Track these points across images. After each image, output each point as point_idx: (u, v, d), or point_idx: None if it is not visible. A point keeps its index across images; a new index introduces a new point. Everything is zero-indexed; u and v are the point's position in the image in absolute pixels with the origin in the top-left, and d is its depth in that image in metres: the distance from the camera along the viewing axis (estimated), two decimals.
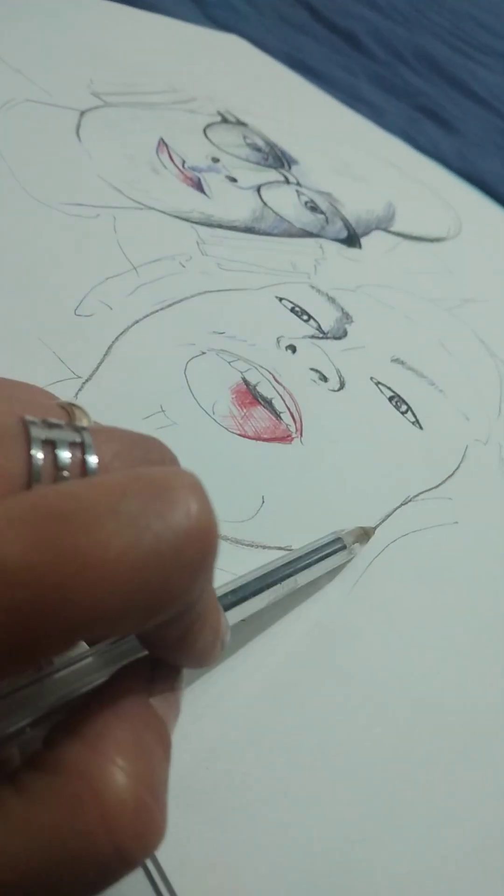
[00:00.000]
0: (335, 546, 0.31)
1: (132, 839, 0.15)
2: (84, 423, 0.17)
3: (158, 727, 0.18)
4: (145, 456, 0.18)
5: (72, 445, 0.16)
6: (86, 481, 0.15)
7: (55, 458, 0.16)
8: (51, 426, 0.16)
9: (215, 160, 0.55)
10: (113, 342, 0.35)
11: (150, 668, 0.19)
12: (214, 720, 0.26)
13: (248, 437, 0.35)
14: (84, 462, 0.16)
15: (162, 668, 0.19)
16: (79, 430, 0.16)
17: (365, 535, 0.33)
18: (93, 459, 0.16)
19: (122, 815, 0.15)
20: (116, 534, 0.14)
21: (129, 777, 0.16)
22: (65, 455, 0.16)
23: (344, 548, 0.32)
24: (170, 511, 0.15)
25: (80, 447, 0.16)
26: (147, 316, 0.38)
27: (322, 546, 0.31)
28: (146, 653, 0.19)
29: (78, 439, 0.16)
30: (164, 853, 0.22)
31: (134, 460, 0.17)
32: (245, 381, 0.37)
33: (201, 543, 0.15)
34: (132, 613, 0.15)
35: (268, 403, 0.37)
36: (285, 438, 0.36)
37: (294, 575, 0.28)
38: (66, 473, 0.16)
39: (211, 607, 0.18)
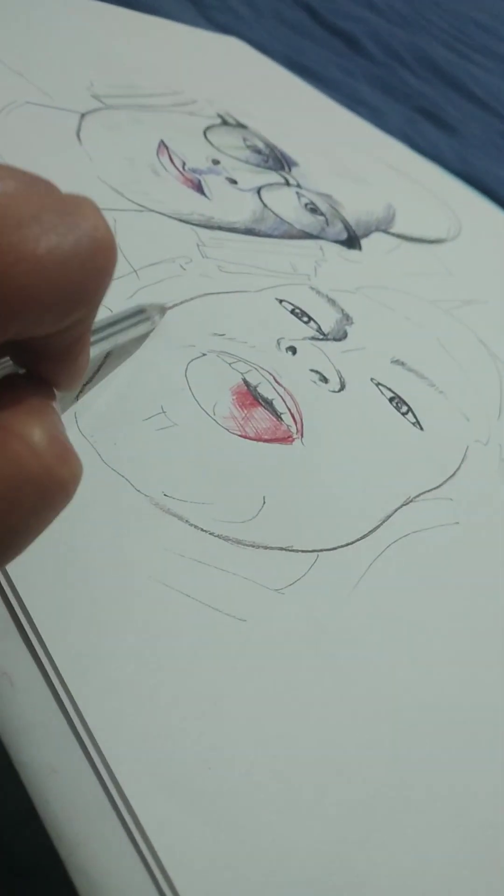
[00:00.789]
0: (140, 316, 0.36)
1: (58, 461, 0.18)
2: None
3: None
4: (44, 188, 0.19)
5: None
6: (2, 194, 0.17)
7: None
8: None
9: (216, 162, 0.55)
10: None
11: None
12: (215, 721, 0.26)
13: (249, 438, 0.35)
14: None
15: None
16: None
17: (162, 309, 0.38)
18: None
19: (44, 444, 0.18)
20: (42, 236, 0.16)
21: (43, 423, 0.19)
22: None
23: (147, 318, 0.36)
24: (83, 223, 0.18)
25: None
26: None
27: (128, 315, 0.35)
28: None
29: None
30: (166, 852, 0.22)
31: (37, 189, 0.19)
32: (246, 383, 0.37)
33: (108, 253, 0.18)
34: (56, 307, 0.17)
35: (268, 404, 0.37)
36: (286, 439, 0.36)
37: (104, 340, 0.32)
38: None
39: (89, 329, 0.21)
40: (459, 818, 0.27)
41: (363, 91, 0.87)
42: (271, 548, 0.31)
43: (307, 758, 0.26)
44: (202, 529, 0.30)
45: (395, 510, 0.36)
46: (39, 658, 0.25)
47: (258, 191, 0.55)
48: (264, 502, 0.33)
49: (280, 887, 0.23)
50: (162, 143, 0.53)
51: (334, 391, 0.40)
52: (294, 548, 0.32)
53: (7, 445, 0.18)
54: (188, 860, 0.23)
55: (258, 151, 0.60)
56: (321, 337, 0.43)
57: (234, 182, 0.54)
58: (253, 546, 0.31)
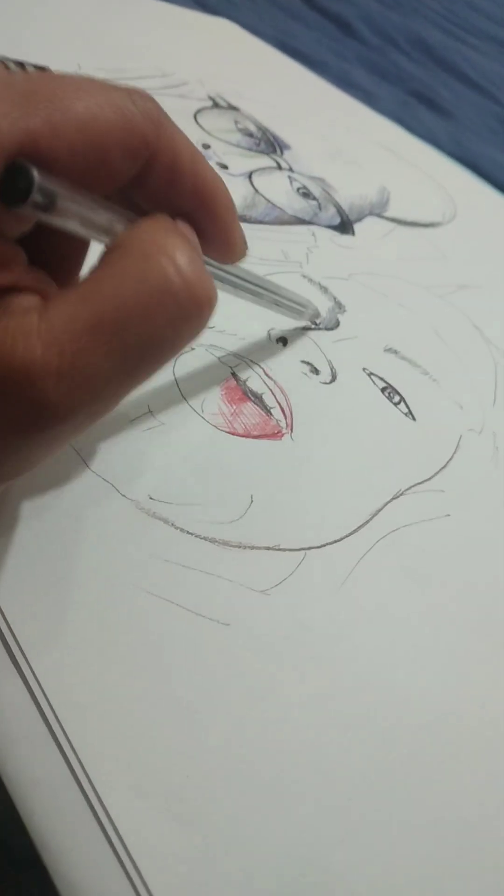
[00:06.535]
0: (303, 305, 0.40)
1: (198, 281, 0.20)
2: None
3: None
4: None
5: None
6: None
7: None
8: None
9: (206, 146, 0.55)
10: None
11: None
12: (194, 729, 0.26)
13: (238, 435, 0.35)
14: None
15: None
16: None
17: (316, 314, 0.42)
18: None
19: (186, 263, 0.20)
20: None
21: (188, 248, 0.21)
22: None
23: (304, 311, 0.40)
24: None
25: None
26: None
27: (295, 295, 0.38)
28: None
29: None
30: (144, 860, 0.22)
31: None
32: (235, 377, 0.37)
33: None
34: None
35: (258, 399, 0.36)
36: (275, 435, 0.35)
37: (267, 294, 0.35)
38: None
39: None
40: (453, 821, 0.27)
41: (356, 74, 0.86)
42: (258, 547, 0.31)
43: (291, 762, 0.26)
44: (188, 532, 0.30)
45: (385, 504, 0.35)
46: (23, 672, 0.25)
47: (249, 175, 0.54)
48: (252, 501, 0.32)
49: (258, 894, 0.23)
50: None
51: (325, 382, 0.40)
52: (281, 546, 0.31)
53: (154, 259, 0.20)
54: (166, 867, 0.23)
55: (250, 135, 0.59)
56: (312, 326, 0.42)
57: (224, 167, 0.53)
58: (239, 547, 0.30)
